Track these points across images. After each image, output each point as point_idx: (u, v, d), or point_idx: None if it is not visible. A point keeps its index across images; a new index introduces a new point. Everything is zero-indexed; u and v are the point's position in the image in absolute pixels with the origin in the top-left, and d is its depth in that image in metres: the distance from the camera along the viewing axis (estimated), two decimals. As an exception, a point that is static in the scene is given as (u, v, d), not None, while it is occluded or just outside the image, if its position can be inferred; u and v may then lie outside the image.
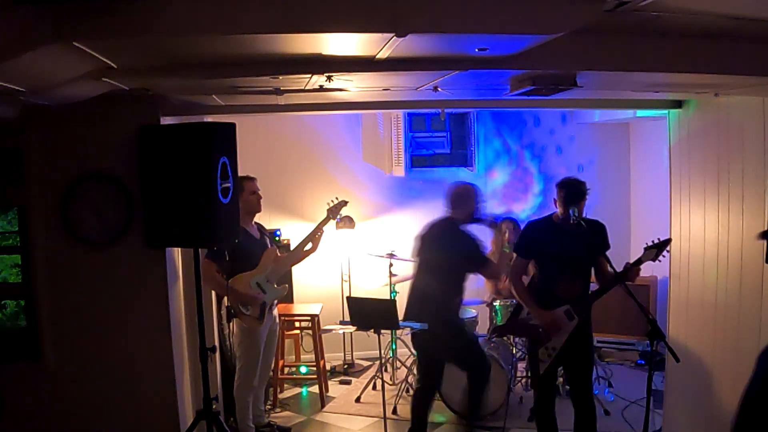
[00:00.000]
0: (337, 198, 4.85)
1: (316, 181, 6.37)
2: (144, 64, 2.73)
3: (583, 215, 3.84)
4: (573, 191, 3.85)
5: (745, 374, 3.65)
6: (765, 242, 3.38)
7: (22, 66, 2.30)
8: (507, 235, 5.69)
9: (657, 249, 3.73)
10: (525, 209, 6.85)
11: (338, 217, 4.83)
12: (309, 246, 4.68)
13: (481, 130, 6.77)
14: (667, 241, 3.78)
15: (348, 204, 4.86)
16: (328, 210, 4.76)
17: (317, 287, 6.40)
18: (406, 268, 6.14)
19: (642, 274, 4.38)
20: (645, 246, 3.78)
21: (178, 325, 4.06)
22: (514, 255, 4.17)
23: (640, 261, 3.74)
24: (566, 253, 3.85)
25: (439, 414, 5.07)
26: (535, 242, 4.02)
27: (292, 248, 4.98)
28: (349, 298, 4.64)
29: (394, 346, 5.86)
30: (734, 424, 1.76)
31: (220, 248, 4.18)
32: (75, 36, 2.10)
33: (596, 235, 3.91)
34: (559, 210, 3.91)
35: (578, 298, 3.86)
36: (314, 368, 5.65)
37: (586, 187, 3.88)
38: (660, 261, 3.77)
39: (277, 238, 6.05)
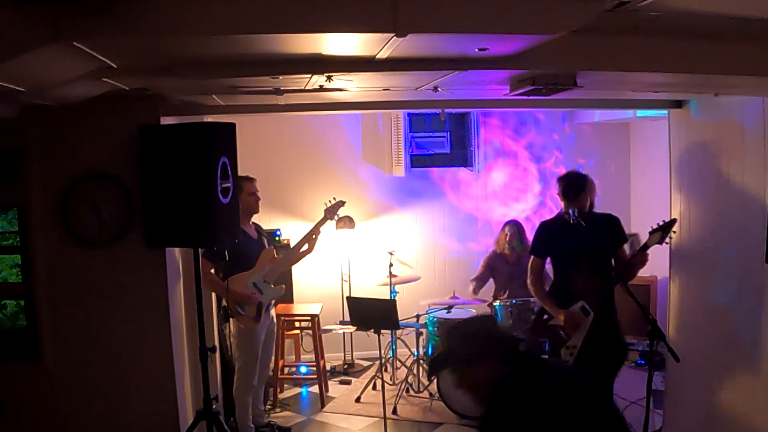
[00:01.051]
0: (334, 198, 4.85)
1: (316, 181, 6.37)
2: (144, 64, 2.73)
3: (592, 209, 3.86)
4: (568, 185, 3.86)
5: (745, 374, 3.65)
6: (765, 241, 3.38)
7: (22, 66, 2.30)
8: (508, 237, 5.71)
9: (662, 231, 3.72)
10: (525, 209, 6.85)
11: (336, 217, 4.83)
12: (305, 247, 4.68)
13: (481, 130, 6.78)
14: (672, 222, 3.75)
15: (345, 204, 4.86)
16: (325, 210, 4.77)
17: (317, 287, 6.41)
18: (406, 269, 6.17)
19: (642, 273, 4.38)
20: (650, 230, 3.78)
21: (178, 325, 4.05)
22: (532, 256, 4.19)
23: (646, 246, 3.74)
24: (578, 248, 3.85)
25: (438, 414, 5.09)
26: (547, 240, 4.04)
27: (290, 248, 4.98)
28: (349, 298, 4.65)
29: (394, 346, 5.86)
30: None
31: (219, 248, 4.18)
32: (75, 36, 2.10)
33: (608, 229, 3.90)
34: (562, 206, 3.92)
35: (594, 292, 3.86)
36: (314, 368, 5.65)
37: (585, 181, 3.88)
38: (666, 243, 3.75)
39: (276, 238, 6.05)
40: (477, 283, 5.75)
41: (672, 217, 3.90)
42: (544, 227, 4.19)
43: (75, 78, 2.72)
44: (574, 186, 3.86)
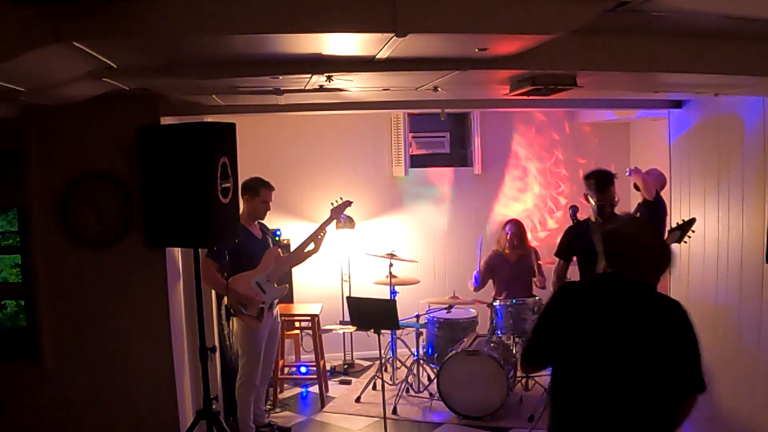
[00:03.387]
0: (341, 198, 4.84)
1: (316, 181, 6.37)
2: (144, 64, 2.73)
3: (616, 202, 3.92)
4: (601, 178, 3.93)
5: (745, 374, 3.65)
6: (765, 241, 3.39)
7: (22, 66, 2.30)
8: (509, 236, 5.71)
9: (681, 230, 3.72)
10: (525, 209, 6.85)
11: (342, 217, 4.83)
12: (311, 246, 4.68)
13: (481, 130, 6.77)
14: (692, 221, 3.72)
15: (352, 204, 4.86)
16: (332, 210, 4.76)
17: (317, 287, 6.40)
18: (407, 269, 6.17)
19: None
20: (668, 228, 3.78)
21: (178, 325, 4.05)
22: (557, 259, 4.33)
23: None
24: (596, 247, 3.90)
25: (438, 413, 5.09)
26: (571, 243, 4.13)
27: (292, 248, 4.98)
28: (349, 298, 4.64)
29: (394, 346, 5.86)
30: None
31: (220, 247, 4.19)
32: (75, 36, 2.10)
33: None
34: (592, 201, 3.95)
35: None
36: (314, 368, 5.65)
37: (612, 175, 3.97)
38: (686, 242, 3.75)
39: (277, 238, 6.05)
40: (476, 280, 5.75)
41: (692, 216, 3.89)
42: (569, 231, 4.31)
43: (75, 78, 2.72)
44: (606, 179, 3.93)
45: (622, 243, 2.39)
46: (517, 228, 5.74)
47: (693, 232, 3.74)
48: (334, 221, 4.80)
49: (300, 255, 4.73)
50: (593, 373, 2.33)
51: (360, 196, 6.42)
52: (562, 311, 2.45)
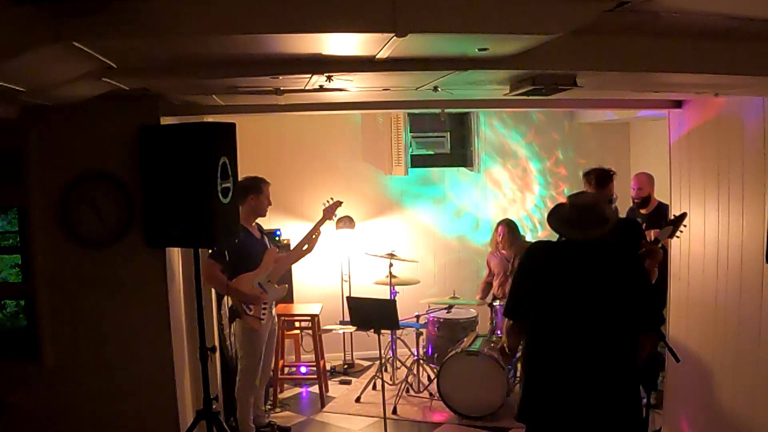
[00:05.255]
0: (332, 198, 4.87)
1: (316, 181, 6.37)
2: (144, 64, 2.73)
3: (614, 199, 4.01)
4: (600, 175, 3.97)
5: (745, 374, 3.65)
6: (765, 241, 3.39)
7: (22, 66, 2.30)
8: (501, 236, 5.70)
9: (672, 225, 3.77)
10: (525, 209, 6.85)
11: (334, 217, 4.87)
12: (306, 246, 4.70)
13: (481, 130, 6.77)
14: (683, 216, 3.78)
15: (342, 204, 4.88)
16: (324, 210, 4.80)
17: (317, 287, 6.41)
18: (407, 269, 6.16)
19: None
20: (660, 225, 3.81)
21: (178, 325, 4.05)
22: None
23: (657, 241, 3.77)
24: None
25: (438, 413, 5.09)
26: None
27: (291, 248, 4.99)
28: (349, 298, 4.65)
29: (394, 346, 5.86)
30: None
31: (221, 248, 4.19)
32: (75, 36, 2.10)
33: (625, 232, 3.95)
34: None
35: None
36: (314, 368, 5.65)
37: (611, 172, 4.03)
38: (678, 237, 3.80)
39: (277, 238, 6.06)
40: (482, 290, 5.79)
41: (682, 211, 3.93)
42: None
43: (75, 78, 2.72)
44: (605, 175, 4.03)
45: (564, 210, 2.92)
46: (507, 228, 5.73)
47: (684, 226, 3.80)
48: (328, 221, 4.84)
49: (297, 255, 4.75)
50: (565, 321, 2.75)
51: (360, 196, 6.43)
52: (536, 268, 2.90)
